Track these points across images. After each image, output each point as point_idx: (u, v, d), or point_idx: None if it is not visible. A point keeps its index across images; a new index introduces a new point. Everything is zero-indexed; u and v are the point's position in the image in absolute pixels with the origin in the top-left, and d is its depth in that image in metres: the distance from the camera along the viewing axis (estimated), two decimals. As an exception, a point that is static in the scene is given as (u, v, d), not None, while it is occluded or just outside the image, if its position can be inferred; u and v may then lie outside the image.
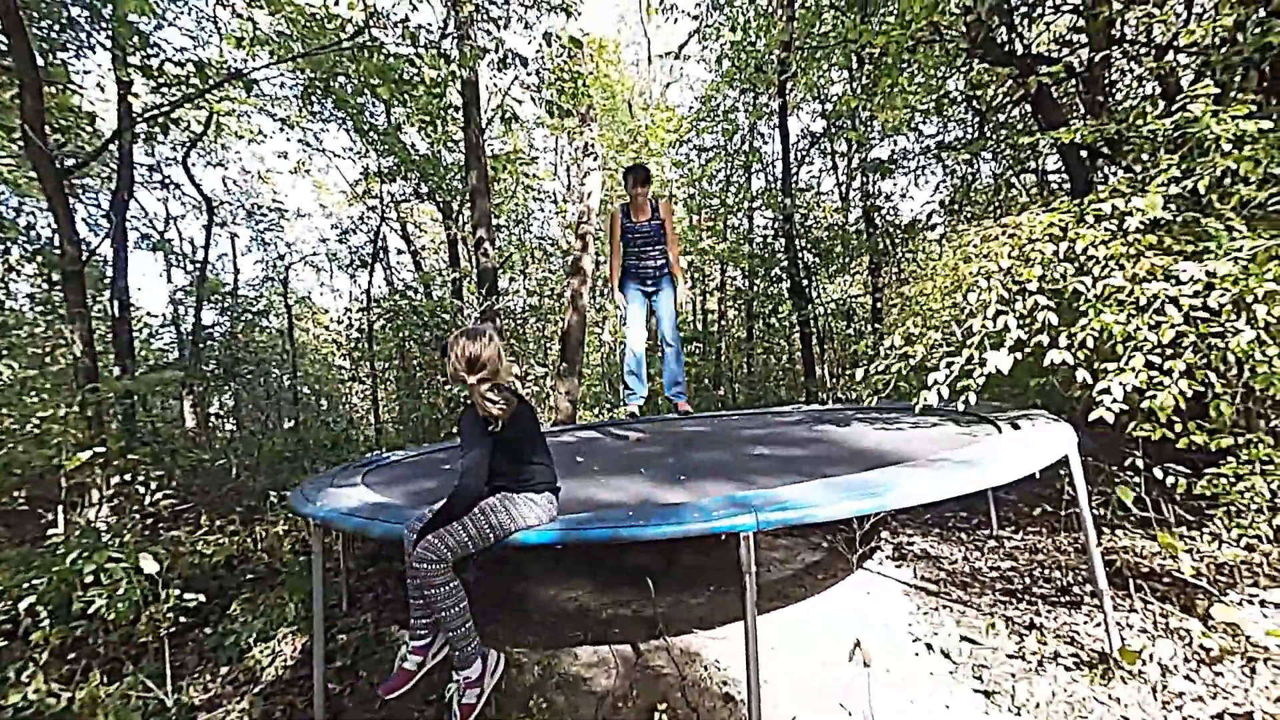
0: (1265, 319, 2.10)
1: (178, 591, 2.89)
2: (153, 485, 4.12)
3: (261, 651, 2.85)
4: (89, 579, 2.71)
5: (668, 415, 4.44)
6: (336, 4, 6.15)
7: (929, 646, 2.41)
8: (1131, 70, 5.56)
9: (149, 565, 2.70)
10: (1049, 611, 2.58)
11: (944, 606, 2.74)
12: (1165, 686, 1.97)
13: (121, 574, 2.72)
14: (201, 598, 2.96)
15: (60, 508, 4.01)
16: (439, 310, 7.48)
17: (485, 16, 6.61)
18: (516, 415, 1.97)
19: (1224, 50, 3.23)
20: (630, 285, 4.01)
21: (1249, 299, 2.13)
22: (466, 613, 1.87)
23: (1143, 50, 4.71)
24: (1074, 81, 4.98)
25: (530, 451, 2.03)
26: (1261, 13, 3.11)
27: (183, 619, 2.94)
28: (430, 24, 6.80)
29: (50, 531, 3.52)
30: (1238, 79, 3.54)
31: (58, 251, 5.01)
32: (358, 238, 10.99)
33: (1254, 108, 2.59)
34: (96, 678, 2.49)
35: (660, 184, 11.55)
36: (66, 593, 2.77)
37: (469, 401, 1.97)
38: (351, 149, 10.23)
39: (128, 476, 4.08)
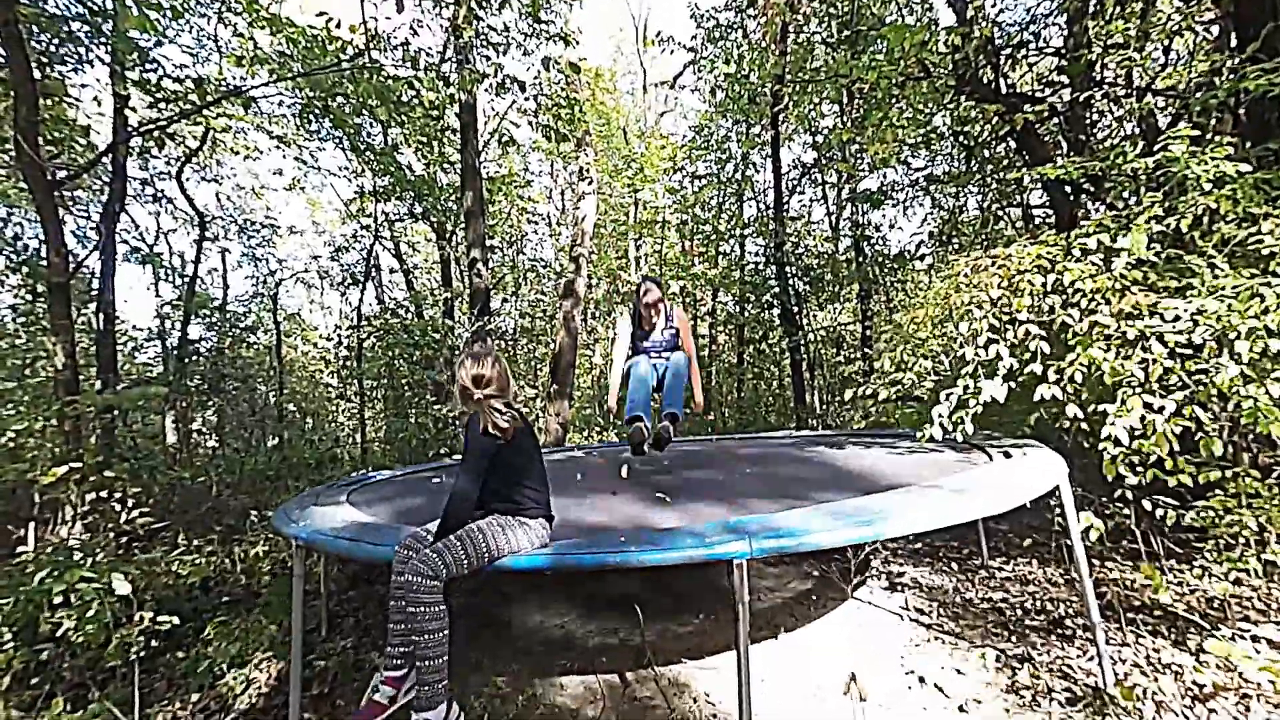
0: (1249, 355, 2.14)
1: (150, 614, 2.78)
2: (130, 502, 4.01)
3: (235, 678, 2.75)
4: (58, 599, 2.61)
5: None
6: (338, 26, 6.23)
7: (921, 679, 2.37)
8: (1112, 111, 5.76)
9: (121, 586, 2.61)
10: (1041, 644, 2.55)
11: (936, 638, 2.71)
12: (1160, 723, 1.94)
13: (92, 595, 2.62)
14: (175, 620, 2.85)
15: (32, 524, 3.89)
16: (430, 330, 7.44)
17: (485, 42, 6.73)
18: (519, 438, 2.00)
19: (1200, 94, 3.35)
20: (638, 361, 3.52)
21: (1232, 336, 2.17)
22: (446, 644, 1.80)
23: (1122, 92, 4.89)
24: (1057, 120, 5.13)
25: (527, 476, 2.04)
26: (1236, 60, 3.24)
27: (154, 643, 2.83)
28: (431, 48, 6.92)
29: (20, 549, 3.40)
30: (1213, 122, 3.68)
31: (44, 263, 4.95)
32: (350, 255, 10.97)
33: (1231, 149, 2.68)
34: (60, 704, 2.38)
35: (653, 211, 11.69)
36: (34, 613, 2.67)
37: (472, 416, 1.98)
38: (347, 168, 10.29)
39: (104, 493, 3.96)
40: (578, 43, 7.49)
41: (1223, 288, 2.28)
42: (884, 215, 9.33)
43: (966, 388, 2.60)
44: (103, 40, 5.55)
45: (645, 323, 3.51)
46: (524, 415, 2.07)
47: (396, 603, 1.90)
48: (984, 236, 7.51)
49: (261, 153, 10.11)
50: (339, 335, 10.11)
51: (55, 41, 5.60)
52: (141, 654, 2.71)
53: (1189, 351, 2.28)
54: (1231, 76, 3.07)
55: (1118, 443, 2.29)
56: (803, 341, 8.82)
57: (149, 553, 3.63)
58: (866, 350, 8.57)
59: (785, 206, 9.65)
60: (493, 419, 1.92)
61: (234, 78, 7.70)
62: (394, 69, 6.40)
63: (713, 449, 4.53)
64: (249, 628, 3.14)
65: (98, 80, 8.20)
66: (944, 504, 1.95)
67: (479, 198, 6.94)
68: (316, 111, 7.69)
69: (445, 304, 9.59)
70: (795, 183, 10.40)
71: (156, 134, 6.15)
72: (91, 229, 8.59)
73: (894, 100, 5.76)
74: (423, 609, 1.75)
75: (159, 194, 9.55)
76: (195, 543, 4.16)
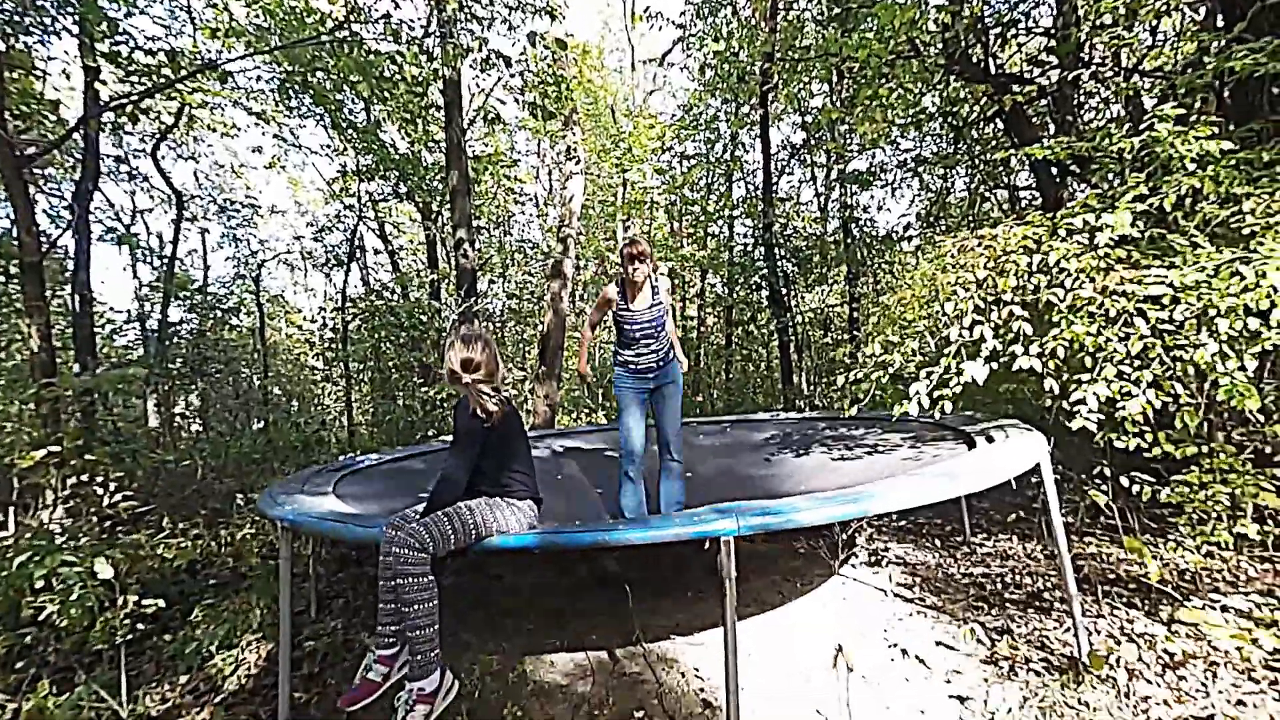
0: (1227, 333, 2.17)
1: (135, 597, 2.77)
2: (112, 486, 3.95)
3: (224, 659, 2.75)
4: (40, 584, 2.59)
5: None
6: (317, -2, 6.05)
7: (904, 652, 2.43)
8: (1099, 92, 5.77)
9: (104, 570, 2.59)
10: (1020, 616, 2.62)
11: (919, 612, 2.77)
12: (1132, 690, 2.01)
13: (75, 578, 2.59)
14: (161, 603, 2.84)
15: (11, 509, 3.83)
16: (416, 311, 7.37)
17: (469, 15, 6.57)
18: (507, 421, 2.03)
19: (1186, 74, 3.36)
20: (626, 384, 3.14)
21: (1211, 313, 2.20)
22: (435, 614, 1.81)
23: (1110, 73, 4.89)
24: (1045, 100, 5.13)
25: (514, 459, 2.08)
26: (1222, 41, 3.25)
27: (141, 625, 2.81)
28: (413, 21, 6.73)
29: (0, 534, 3.36)
30: (1199, 102, 3.69)
31: (15, 243, 4.81)
32: (334, 236, 10.79)
33: (1215, 129, 2.70)
34: (46, 687, 2.36)
35: (641, 192, 11.58)
36: (15, 598, 2.64)
37: (461, 399, 2.01)
38: (329, 146, 10.06)
39: (85, 477, 3.91)
40: (564, 17, 7.33)
41: (1204, 266, 2.31)
42: (872, 196, 9.33)
43: (948, 367, 2.63)
44: (70, 10, 5.33)
45: (631, 288, 3.06)
46: (510, 399, 2.09)
47: (385, 581, 1.90)
48: (971, 217, 7.54)
49: (240, 129, 9.84)
50: (323, 317, 9.99)
51: (19, 11, 5.37)
52: (128, 637, 2.69)
53: (1170, 328, 2.32)
54: (1219, 56, 3.08)
55: (1080, 402, 2.34)
56: (791, 323, 8.85)
57: (133, 536, 3.60)
58: (854, 333, 8.62)
59: (774, 187, 9.61)
60: (482, 402, 1.94)
61: (209, 51, 7.46)
62: (375, 43, 6.23)
63: (700, 434, 4.55)
64: (237, 610, 3.13)
65: (66, 53, 7.91)
66: (926, 482, 1.98)
67: (464, 177, 6.83)
68: (296, 87, 7.48)
69: (431, 285, 9.48)
70: (784, 163, 10.35)
71: (129, 109, 5.95)
72: (64, 208, 8.35)
73: (883, 80, 5.72)
74: (410, 580, 1.76)
75: (134, 172, 9.30)
76: (181, 526, 4.12)
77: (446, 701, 1.83)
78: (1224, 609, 2.32)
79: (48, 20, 5.53)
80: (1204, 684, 2.01)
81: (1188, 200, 2.68)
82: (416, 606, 1.76)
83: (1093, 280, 2.52)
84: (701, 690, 2.28)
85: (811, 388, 9.03)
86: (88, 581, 2.60)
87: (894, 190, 8.77)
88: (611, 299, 3.10)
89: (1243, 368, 2.17)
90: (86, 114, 5.53)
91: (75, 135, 5.82)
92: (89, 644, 2.67)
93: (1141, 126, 2.86)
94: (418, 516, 1.91)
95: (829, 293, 11.11)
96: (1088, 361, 2.45)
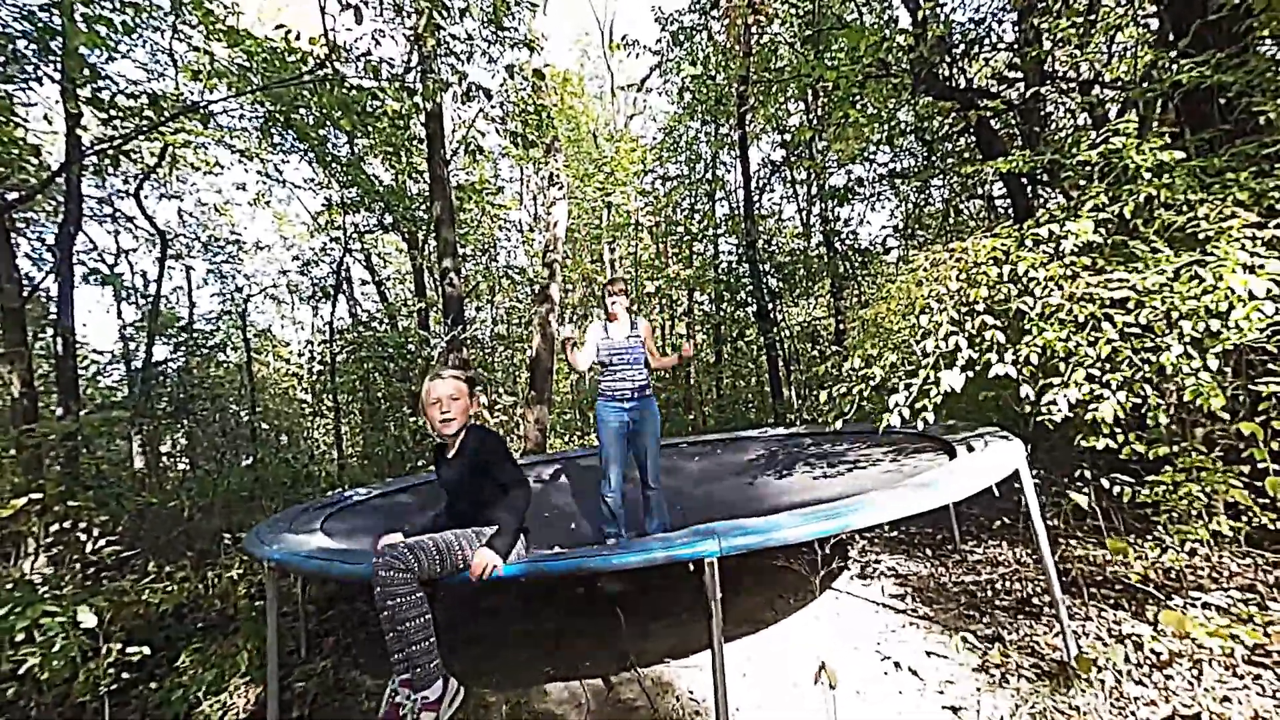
0: (1191, 334, 2.24)
1: (120, 645, 2.72)
2: (96, 531, 3.90)
3: (211, 706, 2.70)
4: (20, 636, 2.54)
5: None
6: (298, 39, 6.14)
7: (897, 664, 2.43)
8: (1063, 104, 5.95)
9: (86, 619, 2.54)
10: (1010, 623, 2.63)
11: (911, 623, 2.78)
12: (1120, 692, 2.02)
13: (57, 629, 2.55)
14: (146, 650, 2.79)
15: (-9, 560, 3.77)
16: (404, 341, 7.37)
17: (448, 50, 6.70)
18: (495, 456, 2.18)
19: (1143, 86, 3.49)
20: (606, 410, 3.43)
21: (1174, 315, 2.27)
22: (430, 627, 1.85)
23: (1072, 86, 5.06)
24: (1012, 114, 5.29)
25: (503, 495, 2.14)
26: (1173, 54, 3.38)
27: (125, 674, 2.75)
28: (393, 58, 6.85)
29: (-21, 586, 3.28)
30: (1156, 112, 3.83)
31: (-4, 288, 4.79)
32: (320, 269, 10.79)
33: (1170, 139, 2.80)
34: (27, 743, 2.31)
35: (627, 216, 11.72)
36: (-5, 652, 2.58)
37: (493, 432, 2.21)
38: (313, 180, 10.13)
39: (68, 523, 3.85)
40: (542, 48, 7.49)
41: (1164, 269, 2.38)
42: (852, 210, 9.50)
43: (926, 378, 2.68)
44: (52, 57, 5.39)
45: (611, 315, 3.53)
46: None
47: (380, 602, 1.91)
48: (947, 228, 7.70)
49: (223, 168, 9.90)
50: (311, 350, 9.95)
51: (0, 60, 5.42)
52: (112, 687, 2.64)
53: (1137, 331, 2.38)
54: (1169, 70, 3.20)
55: (1051, 404, 2.39)
56: (778, 338, 8.92)
57: (118, 582, 3.54)
58: (838, 346, 8.70)
59: (756, 204, 9.76)
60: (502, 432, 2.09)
61: (192, 92, 7.53)
62: (357, 80, 6.32)
63: (688, 454, 4.56)
64: (225, 653, 3.07)
65: (47, 98, 7.96)
66: (906, 495, 2.00)
67: (448, 206, 6.89)
68: (279, 124, 7.56)
69: (419, 314, 9.50)
70: (765, 181, 10.53)
71: (112, 152, 5.99)
72: (47, 250, 8.32)
73: (856, 98, 5.87)
74: (400, 599, 1.80)
75: (117, 213, 9.30)
76: (167, 569, 4.05)
77: (453, 708, 1.87)
78: (1205, 606, 2.34)
79: (29, 67, 5.58)
80: (1190, 682, 2.03)
81: (1148, 207, 2.77)
82: (409, 623, 1.81)
83: (1060, 287, 2.59)
84: (697, 714, 2.27)
85: (801, 401, 9.07)
86: (70, 631, 2.55)
87: (873, 204, 8.95)
88: (598, 329, 3.54)
89: (1206, 368, 2.23)
90: (69, 159, 5.56)
91: (57, 179, 5.83)
92: (72, 696, 2.61)
93: (1098, 138, 2.96)
94: (405, 547, 1.93)
95: (815, 306, 11.23)
96: (1061, 367, 2.51)
